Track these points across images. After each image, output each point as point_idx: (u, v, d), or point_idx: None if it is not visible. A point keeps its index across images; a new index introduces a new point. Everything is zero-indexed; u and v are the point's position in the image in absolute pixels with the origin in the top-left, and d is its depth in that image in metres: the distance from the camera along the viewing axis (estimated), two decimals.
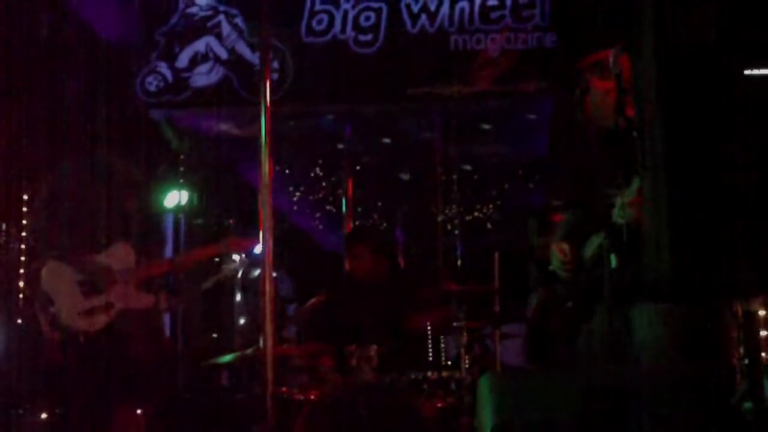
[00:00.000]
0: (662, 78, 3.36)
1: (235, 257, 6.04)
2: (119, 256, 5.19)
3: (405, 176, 9.66)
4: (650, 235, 3.69)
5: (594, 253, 4.22)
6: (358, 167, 9.57)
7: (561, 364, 4.74)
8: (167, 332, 7.64)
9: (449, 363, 7.24)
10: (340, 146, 9.21)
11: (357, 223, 9.25)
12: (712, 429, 3.22)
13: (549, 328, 4.79)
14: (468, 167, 10.06)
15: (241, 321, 8.89)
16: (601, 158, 4.19)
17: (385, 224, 11.78)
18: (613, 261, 3.77)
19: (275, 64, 7.79)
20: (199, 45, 8.15)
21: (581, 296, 4.28)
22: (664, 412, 3.24)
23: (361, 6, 8.01)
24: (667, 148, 3.43)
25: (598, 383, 3.39)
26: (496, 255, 6.64)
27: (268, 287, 3.77)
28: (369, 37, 7.96)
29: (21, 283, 6.53)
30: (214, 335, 8.96)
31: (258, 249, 4.77)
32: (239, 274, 7.06)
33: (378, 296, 5.86)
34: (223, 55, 8.13)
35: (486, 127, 8.88)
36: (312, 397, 5.23)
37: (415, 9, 7.94)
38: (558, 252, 4.42)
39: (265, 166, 4.07)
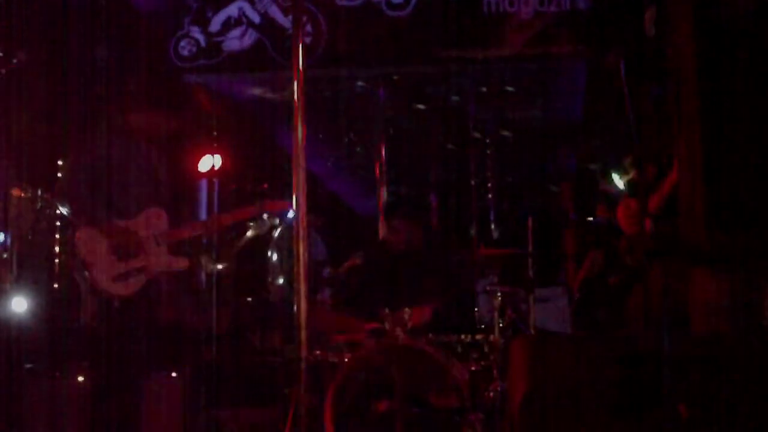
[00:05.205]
0: (700, 42, 3.33)
1: (265, 218, 6.04)
2: (152, 220, 5.22)
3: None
4: (685, 200, 3.67)
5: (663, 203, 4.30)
6: (391, 131, 9.54)
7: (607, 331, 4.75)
8: (201, 295, 7.69)
9: (482, 326, 7.23)
10: (374, 110, 9.17)
11: (391, 191, 9.19)
12: (752, 395, 3.21)
13: (599, 294, 4.80)
14: (501, 131, 10.01)
15: (278, 282, 8.91)
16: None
17: (418, 190, 11.74)
18: None
19: (308, 28, 7.77)
20: (232, 9, 8.13)
21: (643, 252, 4.32)
22: (703, 378, 3.22)
23: None
24: (703, 112, 3.39)
25: (634, 349, 3.38)
26: (530, 219, 6.62)
27: (302, 250, 3.77)
28: None
29: (57, 249, 6.58)
30: (249, 298, 9.00)
31: (292, 213, 4.78)
32: (275, 234, 7.07)
33: (413, 262, 5.90)
34: (256, 19, 8.11)
35: (519, 90, 8.82)
36: (346, 360, 5.25)
37: None
38: (625, 208, 4.53)
39: (299, 131, 4.07)
